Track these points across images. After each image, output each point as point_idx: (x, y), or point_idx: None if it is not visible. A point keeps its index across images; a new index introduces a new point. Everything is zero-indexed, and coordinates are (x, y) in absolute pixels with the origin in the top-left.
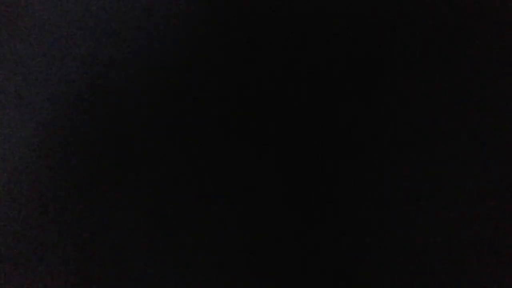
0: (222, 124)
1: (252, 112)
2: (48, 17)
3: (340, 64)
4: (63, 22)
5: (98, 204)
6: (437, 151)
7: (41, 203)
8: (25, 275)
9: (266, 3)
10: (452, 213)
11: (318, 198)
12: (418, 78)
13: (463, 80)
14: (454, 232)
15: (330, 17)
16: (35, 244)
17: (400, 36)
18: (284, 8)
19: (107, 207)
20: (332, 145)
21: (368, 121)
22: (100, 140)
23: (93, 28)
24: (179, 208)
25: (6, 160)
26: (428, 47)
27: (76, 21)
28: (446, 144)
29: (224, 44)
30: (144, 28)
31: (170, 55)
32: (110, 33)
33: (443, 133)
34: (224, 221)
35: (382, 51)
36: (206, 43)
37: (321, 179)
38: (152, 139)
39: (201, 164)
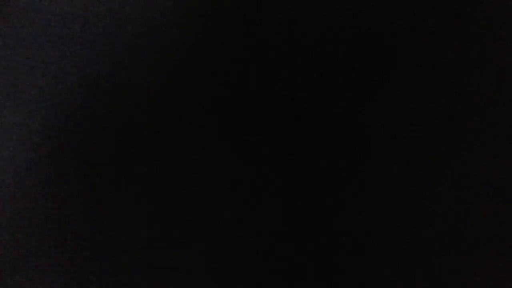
0: (223, 125)
1: (256, 111)
2: (48, 17)
3: (350, 56)
4: (63, 22)
5: (97, 204)
6: (438, 151)
7: (41, 203)
8: (25, 276)
9: None
10: (453, 213)
11: (318, 198)
12: (430, 74)
13: (480, 75)
14: (455, 232)
15: (339, 6)
16: (35, 244)
17: (413, 25)
18: None
19: (107, 207)
20: (333, 144)
21: (373, 118)
22: (100, 140)
23: (93, 28)
24: (179, 209)
25: (6, 160)
26: (442, 39)
27: (76, 21)
28: (447, 143)
29: (227, 44)
30: (144, 29)
31: (169, 55)
32: (110, 33)
33: (445, 133)
34: (223, 222)
35: (393, 44)
36: (207, 42)
37: (322, 179)
38: (152, 140)
39: (201, 165)
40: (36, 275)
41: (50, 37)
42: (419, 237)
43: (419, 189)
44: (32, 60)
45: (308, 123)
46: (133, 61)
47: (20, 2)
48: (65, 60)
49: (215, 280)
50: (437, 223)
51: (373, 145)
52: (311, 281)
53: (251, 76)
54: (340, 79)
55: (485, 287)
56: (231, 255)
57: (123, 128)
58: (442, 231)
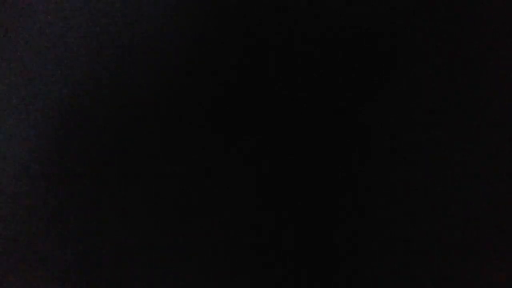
0: (222, 124)
1: (256, 110)
2: (48, 17)
3: (350, 56)
4: (63, 22)
5: (98, 204)
6: (439, 150)
7: (41, 203)
8: (25, 276)
9: None
10: (453, 213)
11: (318, 198)
12: (430, 74)
13: (482, 77)
14: (455, 232)
15: (339, 6)
16: (35, 244)
17: (412, 25)
18: None
19: (107, 207)
20: (333, 144)
21: (373, 118)
22: (100, 139)
23: (93, 28)
24: (179, 209)
25: (6, 160)
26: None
27: (76, 21)
28: (447, 143)
29: (227, 44)
30: (143, 29)
31: (169, 55)
32: (110, 33)
33: (445, 133)
34: (223, 222)
35: (393, 44)
36: (207, 42)
37: (322, 179)
38: (152, 139)
39: (202, 165)
40: (36, 275)
41: (50, 37)
42: (419, 237)
43: (419, 189)
44: (32, 60)
45: (308, 123)
46: (133, 61)
47: (20, 2)
48: (65, 60)
49: (215, 280)
50: (437, 223)
51: (373, 145)
52: (311, 281)
53: (251, 76)
54: (340, 79)
55: (485, 287)
56: (231, 256)
57: (123, 128)
58: (442, 231)
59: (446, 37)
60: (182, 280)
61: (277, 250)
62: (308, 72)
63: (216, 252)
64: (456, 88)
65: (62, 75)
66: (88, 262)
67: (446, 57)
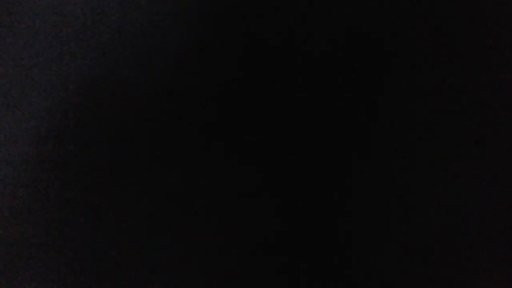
0: (223, 124)
1: (256, 110)
2: (48, 17)
3: (350, 56)
4: (63, 22)
5: (97, 204)
6: (438, 151)
7: (41, 203)
8: (25, 275)
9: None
10: (453, 213)
11: (318, 198)
12: (430, 74)
13: (476, 80)
14: (455, 232)
15: (340, 7)
16: (36, 244)
17: (412, 26)
18: (290, 2)
19: (107, 207)
20: (333, 144)
21: (373, 118)
22: (99, 140)
23: (93, 28)
24: (179, 208)
25: (6, 160)
26: (438, 44)
27: (76, 22)
28: (447, 144)
29: (227, 44)
30: (144, 29)
31: (169, 55)
32: (110, 33)
33: (445, 133)
34: (223, 222)
35: (390, 48)
36: (207, 42)
37: (322, 179)
38: (152, 140)
39: (202, 165)
40: (36, 275)
41: (50, 37)
42: (419, 237)
43: (419, 189)
44: (32, 60)
45: (308, 123)
46: (133, 61)
47: (20, 2)
48: (65, 60)
49: (215, 280)
50: (437, 223)
51: (373, 145)
52: (310, 281)
53: (251, 76)
54: (340, 79)
55: (485, 287)
56: (231, 256)
57: (123, 128)
58: (442, 231)
59: (446, 37)
60: (182, 280)
61: (276, 250)
62: (308, 72)
63: (215, 253)
64: (456, 88)
65: (61, 76)
66: (88, 262)
67: (446, 57)
